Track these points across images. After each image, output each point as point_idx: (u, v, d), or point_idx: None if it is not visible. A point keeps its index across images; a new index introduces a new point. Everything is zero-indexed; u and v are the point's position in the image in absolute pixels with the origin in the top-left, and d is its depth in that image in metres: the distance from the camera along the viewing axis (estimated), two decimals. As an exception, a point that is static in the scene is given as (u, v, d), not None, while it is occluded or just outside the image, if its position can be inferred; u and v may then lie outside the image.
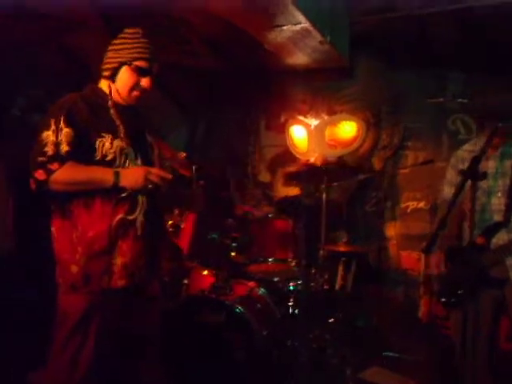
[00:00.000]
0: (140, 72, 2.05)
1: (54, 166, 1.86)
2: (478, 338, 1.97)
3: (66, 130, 1.89)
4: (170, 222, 3.17)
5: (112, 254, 1.97)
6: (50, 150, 1.87)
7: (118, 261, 1.97)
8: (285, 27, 3.33)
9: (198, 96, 5.06)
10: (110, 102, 2.06)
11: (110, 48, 2.08)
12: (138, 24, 2.13)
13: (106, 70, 2.06)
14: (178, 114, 5.11)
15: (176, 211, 3.18)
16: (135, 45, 2.04)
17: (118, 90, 2.06)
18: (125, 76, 2.05)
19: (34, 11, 3.10)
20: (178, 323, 2.86)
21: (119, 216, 1.97)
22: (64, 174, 1.88)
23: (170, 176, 2.01)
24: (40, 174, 1.86)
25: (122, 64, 2.04)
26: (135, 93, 2.08)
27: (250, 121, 5.09)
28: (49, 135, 1.89)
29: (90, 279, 1.94)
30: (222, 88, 4.87)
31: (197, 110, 5.24)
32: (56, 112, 1.93)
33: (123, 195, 1.97)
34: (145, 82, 2.06)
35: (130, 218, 1.99)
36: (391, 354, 3.48)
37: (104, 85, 2.10)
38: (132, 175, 1.97)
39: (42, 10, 3.14)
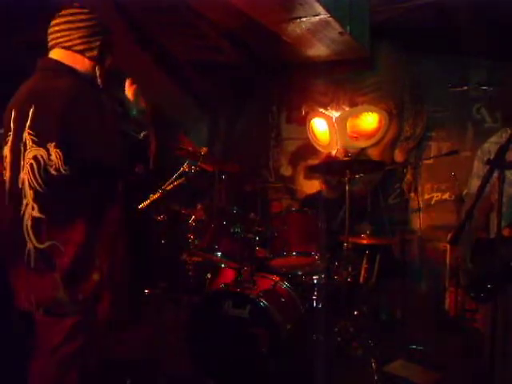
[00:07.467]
0: (112, 47, 1.87)
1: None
2: (509, 333, 1.93)
3: None
4: (193, 217, 3.18)
5: (117, 250, 1.94)
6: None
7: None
8: (304, 19, 3.30)
9: (218, 91, 5.07)
10: (100, 86, 1.85)
11: (80, 24, 1.77)
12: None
13: (92, 49, 1.78)
14: (198, 110, 5.12)
15: (199, 206, 3.19)
16: (99, 19, 1.82)
17: (106, 71, 1.86)
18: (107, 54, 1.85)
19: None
20: (202, 317, 2.89)
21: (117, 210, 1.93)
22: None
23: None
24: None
25: (103, 41, 1.81)
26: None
27: (270, 114, 5.08)
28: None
29: (113, 279, 1.88)
30: (241, 82, 4.87)
31: (217, 105, 5.24)
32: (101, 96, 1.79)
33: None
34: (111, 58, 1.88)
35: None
36: (416, 346, 3.44)
37: (60, 55, 1.80)
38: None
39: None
